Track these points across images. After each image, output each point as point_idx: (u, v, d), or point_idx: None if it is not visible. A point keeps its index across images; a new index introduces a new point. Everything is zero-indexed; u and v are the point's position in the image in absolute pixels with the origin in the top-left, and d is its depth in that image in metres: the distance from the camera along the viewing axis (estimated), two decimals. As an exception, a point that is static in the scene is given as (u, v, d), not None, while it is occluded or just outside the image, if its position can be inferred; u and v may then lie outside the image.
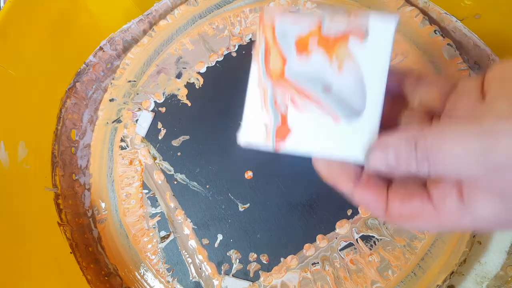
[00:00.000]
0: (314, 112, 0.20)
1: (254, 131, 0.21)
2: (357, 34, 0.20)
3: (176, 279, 0.32)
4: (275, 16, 0.21)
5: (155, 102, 0.38)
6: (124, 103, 0.38)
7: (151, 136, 0.36)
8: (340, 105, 0.20)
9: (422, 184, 0.20)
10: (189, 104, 0.37)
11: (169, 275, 0.32)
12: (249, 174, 0.34)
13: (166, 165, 0.35)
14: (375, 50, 0.20)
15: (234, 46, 0.39)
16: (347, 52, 0.20)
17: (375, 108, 0.20)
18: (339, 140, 0.20)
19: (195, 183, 0.34)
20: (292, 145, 0.20)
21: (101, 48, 0.41)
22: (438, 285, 0.30)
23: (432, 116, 0.22)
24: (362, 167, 0.21)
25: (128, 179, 0.35)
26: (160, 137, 0.36)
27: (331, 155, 0.20)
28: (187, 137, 0.36)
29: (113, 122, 0.38)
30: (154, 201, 0.34)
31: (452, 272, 0.30)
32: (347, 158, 0.20)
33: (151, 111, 0.37)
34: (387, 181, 0.21)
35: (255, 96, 0.21)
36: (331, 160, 0.20)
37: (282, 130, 0.20)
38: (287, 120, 0.20)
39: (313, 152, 0.20)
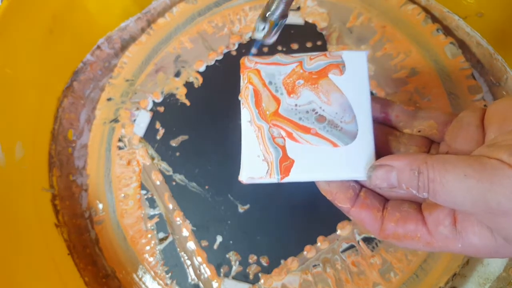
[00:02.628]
0: (313, 141, 0.22)
1: (255, 168, 0.22)
2: (336, 68, 0.23)
3: (174, 281, 0.32)
4: (257, 62, 0.23)
5: (153, 101, 0.37)
6: (122, 102, 0.38)
7: (149, 136, 0.36)
8: (335, 131, 0.22)
9: (417, 207, 0.21)
10: (188, 104, 0.37)
11: (167, 277, 0.32)
12: (249, 175, 0.33)
13: (164, 165, 0.35)
14: (354, 79, 0.22)
15: (234, 44, 0.38)
16: (331, 84, 0.22)
17: (367, 128, 0.22)
18: (339, 163, 0.21)
19: (194, 184, 0.34)
20: (296, 174, 0.21)
21: (98, 47, 0.40)
22: (440, 287, 0.29)
23: (431, 142, 0.23)
24: (360, 187, 0.22)
25: (126, 179, 0.35)
26: (158, 137, 0.36)
27: (334, 177, 0.21)
28: (186, 137, 0.36)
29: (110, 121, 0.37)
30: (152, 202, 0.34)
31: (455, 274, 0.30)
32: (350, 177, 0.21)
33: (149, 110, 0.37)
34: (383, 201, 0.22)
35: (250, 136, 0.22)
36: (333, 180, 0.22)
37: (285, 161, 0.21)
38: (287, 152, 0.22)
39: (317, 178, 0.22)
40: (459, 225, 0.19)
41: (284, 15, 0.24)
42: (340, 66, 0.23)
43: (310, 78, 0.23)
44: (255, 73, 0.23)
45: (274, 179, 0.21)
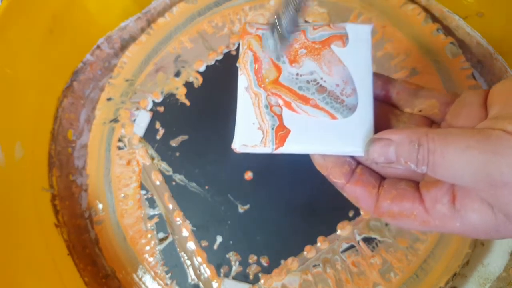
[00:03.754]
0: (311, 112, 0.21)
1: (249, 135, 0.21)
2: (339, 40, 0.22)
3: (174, 282, 0.32)
4: (258, 28, 0.22)
5: (153, 101, 0.37)
6: (122, 102, 0.38)
7: (149, 136, 0.36)
8: (334, 103, 0.21)
9: (414, 186, 0.20)
10: (188, 104, 0.37)
11: (167, 277, 0.32)
12: (249, 175, 0.33)
13: (164, 165, 0.35)
14: (357, 53, 0.22)
15: (234, 44, 0.38)
16: (333, 55, 0.22)
17: (367, 102, 0.21)
18: (337, 136, 0.21)
19: (194, 184, 0.34)
20: (292, 145, 0.21)
21: (98, 47, 0.40)
22: (440, 287, 0.29)
23: (431, 122, 0.22)
24: (356, 164, 0.21)
25: (126, 179, 0.35)
26: (158, 137, 0.36)
27: (330, 151, 0.21)
28: (186, 137, 0.35)
29: (110, 121, 0.37)
30: (152, 202, 0.34)
31: (455, 274, 0.30)
32: (346, 152, 0.21)
33: (149, 110, 0.37)
34: (379, 179, 0.21)
35: (246, 103, 0.21)
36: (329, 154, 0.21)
37: (281, 130, 0.21)
38: (283, 121, 0.21)
39: (313, 150, 0.21)
40: (458, 202, 0.18)
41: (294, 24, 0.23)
42: (344, 38, 0.22)
43: (312, 48, 0.22)
44: (257, 39, 0.22)
45: (268, 148, 0.21)
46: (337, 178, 0.21)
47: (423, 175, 0.21)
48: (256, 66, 0.22)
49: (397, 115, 0.23)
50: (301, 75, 0.22)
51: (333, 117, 0.21)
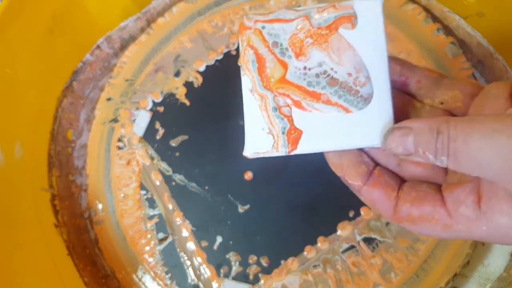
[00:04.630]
0: (323, 109, 0.19)
1: (260, 141, 0.20)
2: (347, 22, 0.20)
3: (174, 282, 0.32)
4: (257, 21, 0.20)
5: (153, 101, 0.37)
6: (122, 102, 0.38)
7: (149, 136, 0.36)
8: (348, 95, 0.19)
9: (436, 188, 0.19)
10: (188, 104, 0.36)
11: (167, 277, 0.32)
12: (249, 175, 0.33)
13: (164, 165, 0.35)
14: (368, 33, 0.20)
15: (234, 44, 0.38)
16: (342, 40, 0.20)
17: (384, 90, 0.19)
18: (353, 130, 0.19)
19: (194, 184, 0.34)
20: (305, 145, 0.19)
21: (98, 47, 0.40)
22: (441, 287, 0.29)
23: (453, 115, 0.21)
24: (374, 165, 0.20)
25: (126, 180, 0.35)
26: (158, 137, 0.36)
27: (347, 146, 0.19)
28: (186, 137, 0.35)
29: (110, 121, 0.37)
30: (152, 203, 0.34)
31: (455, 274, 0.30)
32: (363, 145, 0.19)
33: (149, 110, 0.37)
34: (398, 182, 0.20)
35: (252, 107, 0.20)
36: (345, 150, 0.20)
37: (292, 132, 0.20)
38: (294, 122, 0.20)
39: (328, 148, 0.20)
40: (484, 204, 0.16)
41: None
42: (352, 19, 0.20)
43: (319, 35, 0.20)
44: (257, 34, 0.20)
45: (281, 152, 0.19)
46: (353, 180, 0.19)
47: (445, 176, 0.20)
48: (259, 65, 0.20)
49: (417, 108, 0.21)
50: (309, 69, 0.20)
51: (348, 111, 0.19)
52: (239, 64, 0.20)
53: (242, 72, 0.20)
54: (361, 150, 0.20)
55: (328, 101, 0.19)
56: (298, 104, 0.20)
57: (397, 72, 0.21)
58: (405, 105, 0.21)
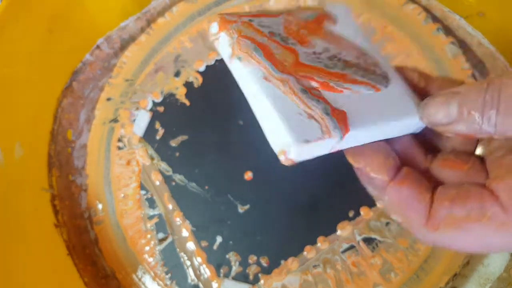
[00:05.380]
0: (353, 88, 0.17)
1: (305, 128, 0.15)
2: (329, 19, 0.20)
3: (174, 282, 0.32)
4: (241, 15, 0.18)
5: (153, 101, 0.37)
6: (122, 102, 0.38)
7: (149, 136, 0.36)
8: (368, 74, 0.18)
9: (480, 185, 0.16)
10: (188, 104, 0.36)
11: (167, 277, 0.32)
12: (249, 175, 0.33)
13: (164, 165, 0.35)
14: (349, 32, 0.20)
15: (234, 44, 0.38)
16: (333, 32, 0.20)
17: (390, 69, 0.19)
18: (394, 107, 0.17)
19: (193, 184, 0.34)
20: (356, 126, 0.16)
21: (98, 47, 0.40)
22: (441, 287, 0.29)
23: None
24: (400, 164, 0.17)
25: (126, 180, 0.35)
26: (158, 137, 0.36)
27: (397, 125, 0.17)
28: (186, 137, 0.35)
29: (110, 121, 0.37)
30: (152, 203, 0.34)
31: (455, 274, 0.30)
32: (415, 121, 0.18)
33: (149, 110, 0.37)
34: (431, 183, 0.16)
35: (276, 94, 0.16)
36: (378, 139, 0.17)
37: (336, 112, 0.16)
38: (331, 103, 0.17)
39: (379, 129, 0.17)
40: None
41: None
42: (332, 17, 0.20)
43: (311, 27, 0.19)
44: (247, 26, 0.17)
45: (335, 136, 0.16)
46: (378, 172, 0.16)
47: (486, 174, 0.16)
48: (264, 51, 0.17)
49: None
50: (319, 53, 0.18)
51: (377, 89, 0.18)
52: (238, 56, 0.17)
53: (243, 63, 0.17)
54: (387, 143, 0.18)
55: (355, 80, 0.18)
56: (326, 86, 0.17)
57: (415, 78, 0.19)
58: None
